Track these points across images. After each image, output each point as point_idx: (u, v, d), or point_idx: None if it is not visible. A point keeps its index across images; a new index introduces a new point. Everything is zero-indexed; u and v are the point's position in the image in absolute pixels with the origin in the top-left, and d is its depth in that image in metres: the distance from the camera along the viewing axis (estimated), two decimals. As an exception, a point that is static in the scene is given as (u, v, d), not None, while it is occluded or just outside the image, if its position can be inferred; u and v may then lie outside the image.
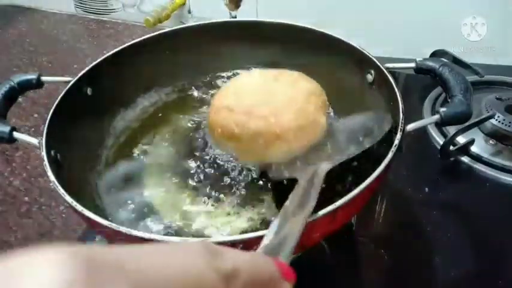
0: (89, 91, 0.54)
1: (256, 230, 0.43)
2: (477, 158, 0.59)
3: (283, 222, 0.29)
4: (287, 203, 0.33)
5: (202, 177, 0.49)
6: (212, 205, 0.46)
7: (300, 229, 0.29)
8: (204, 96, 0.63)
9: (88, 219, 0.37)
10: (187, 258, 0.17)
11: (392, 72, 0.49)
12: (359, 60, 0.54)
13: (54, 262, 0.14)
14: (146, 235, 0.34)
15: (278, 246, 0.26)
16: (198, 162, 0.50)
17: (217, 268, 0.17)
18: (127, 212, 0.47)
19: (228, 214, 0.45)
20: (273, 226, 0.29)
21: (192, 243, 0.20)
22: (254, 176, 0.48)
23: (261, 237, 0.33)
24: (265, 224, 0.44)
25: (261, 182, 0.47)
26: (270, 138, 0.45)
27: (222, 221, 0.45)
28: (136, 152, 0.53)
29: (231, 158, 0.49)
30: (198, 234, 0.44)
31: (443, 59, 0.55)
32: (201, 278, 0.17)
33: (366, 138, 0.43)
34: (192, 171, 0.50)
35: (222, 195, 0.47)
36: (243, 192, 0.47)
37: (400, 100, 0.45)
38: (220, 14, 0.79)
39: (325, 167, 0.38)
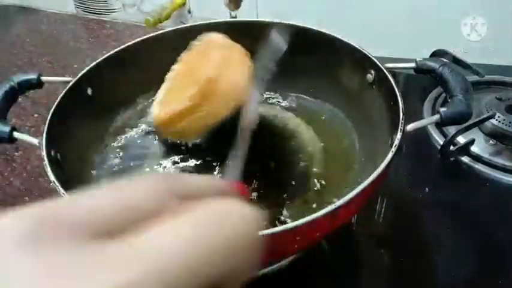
0: (89, 91, 0.54)
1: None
2: (477, 158, 0.59)
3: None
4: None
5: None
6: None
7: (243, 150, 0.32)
8: (204, 96, 0.63)
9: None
10: (142, 187, 0.17)
11: (392, 72, 0.49)
12: (359, 60, 0.54)
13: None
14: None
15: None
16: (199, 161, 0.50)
17: (175, 192, 0.17)
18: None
19: None
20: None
21: (148, 176, 0.19)
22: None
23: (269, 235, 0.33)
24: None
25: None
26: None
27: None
28: (136, 152, 0.54)
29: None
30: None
31: (443, 59, 0.54)
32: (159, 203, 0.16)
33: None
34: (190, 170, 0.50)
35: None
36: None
37: (400, 100, 0.45)
38: (220, 14, 0.79)
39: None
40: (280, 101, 0.62)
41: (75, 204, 0.16)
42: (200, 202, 0.17)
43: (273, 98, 0.63)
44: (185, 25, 0.64)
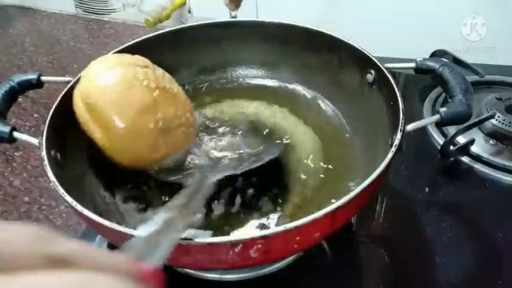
0: (89, 91, 0.53)
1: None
2: (477, 158, 0.59)
3: (163, 224, 0.28)
4: (170, 203, 0.32)
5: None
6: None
7: (177, 236, 0.28)
8: (204, 96, 0.63)
9: (88, 219, 0.37)
10: (12, 235, 0.17)
11: (392, 72, 0.49)
12: (359, 60, 0.54)
13: None
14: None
15: (152, 246, 0.24)
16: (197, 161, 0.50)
17: (43, 251, 0.17)
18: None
19: None
20: (151, 224, 0.27)
21: (25, 226, 0.18)
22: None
23: (264, 237, 0.33)
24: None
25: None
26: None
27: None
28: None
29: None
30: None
31: (443, 59, 0.54)
32: (20, 254, 0.16)
33: (254, 158, 0.47)
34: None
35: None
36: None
37: (400, 100, 0.45)
38: (220, 14, 0.79)
39: (215, 176, 0.40)
40: (279, 100, 0.62)
41: None
42: (64, 269, 0.16)
43: (271, 97, 0.63)
44: (185, 25, 0.64)
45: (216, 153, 0.51)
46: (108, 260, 0.19)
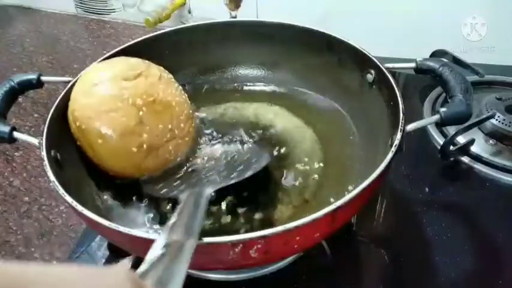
0: (89, 91, 0.53)
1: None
2: (477, 158, 0.59)
3: (169, 246, 0.28)
4: (170, 223, 0.32)
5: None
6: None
7: (189, 258, 0.28)
8: (204, 96, 0.63)
9: (88, 219, 0.37)
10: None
11: (392, 72, 0.49)
12: (359, 60, 0.54)
13: None
14: (146, 235, 0.34)
15: (166, 275, 0.24)
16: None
17: None
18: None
19: None
20: (157, 249, 0.27)
21: (117, 271, 0.18)
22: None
23: (264, 237, 0.33)
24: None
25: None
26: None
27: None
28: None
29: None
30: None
31: (443, 59, 0.54)
32: None
33: (246, 169, 0.46)
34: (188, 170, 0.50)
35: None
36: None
37: (400, 100, 0.45)
38: (220, 14, 0.79)
39: (209, 190, 0.40)
40: (279, 100, 0.62)
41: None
42: None
43: (271, 97, 0.63)
44: (185, 25, 0.64)
45: (208, 162, 0.50)
46: None
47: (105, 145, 0.45)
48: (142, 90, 0.46)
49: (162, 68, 0.52)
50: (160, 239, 0.29)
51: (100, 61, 0.52)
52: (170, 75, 0.52)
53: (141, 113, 0.46)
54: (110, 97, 0.45)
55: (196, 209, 0.36)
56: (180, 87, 0.53)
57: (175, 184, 0.46)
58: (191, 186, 0.44)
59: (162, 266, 0.25)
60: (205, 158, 0.51)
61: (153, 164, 0.47)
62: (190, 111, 0.52)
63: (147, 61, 0.51)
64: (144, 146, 0.46)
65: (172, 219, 0.33)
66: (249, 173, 0.45)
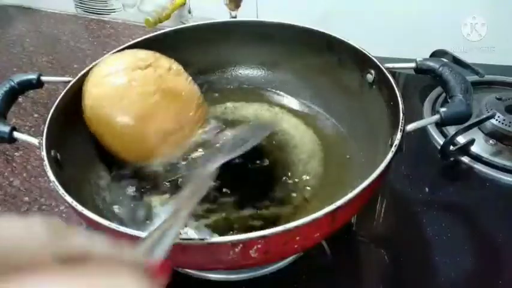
0: (89, 91, 0.53)
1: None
2: (477, 158, 0.59)
3: (169, 215, 0.29)
4: (177, 197, 0.33)
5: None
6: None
7: (181, 223, 0.29)
8: (204, 96, 0.63)
9: (88, 219, 0.37)
10: (28, 230, 0.17)
11: (392, 72, 0.49)
12: (359, 60, 0.54)
13: None
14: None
15: (157, 241, 0.25)
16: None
17: (59, 249, 0.17)
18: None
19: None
20: (159, 220, 0.28)
21: (37, 219, 0.18)
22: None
23: (264, 237, 0.33)
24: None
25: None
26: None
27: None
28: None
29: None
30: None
31: (443, 59, 0.54)
32: (37, 251, 0.16)
33: (247, 142, 0.46)
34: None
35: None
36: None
37: (400, 100, 0.45)
38: (220, 14, 0.79)
39: (212, 165, 0.41)
40: (279, 100, 0.62)
41: None
42: (78, 269, 0.16)
43: (271, 97, 0.63)
44: (185, 25, 0.64)
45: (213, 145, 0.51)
46: (123, 256, 0.19)
47: (121, 132, 0.47)
48: (153, 78, 0.48)
49: (172, 60, 0.53)
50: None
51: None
52: (180, 67, 0.53)
53: (152, 100, 0.47)
54: (121, 86, 0.47)
55: (199, 188, 0.36)
56: (190, 77, 0.54)
57: (179, 167, 0.48)
58: (195, 167, 0.45)
59: (156, 233, 0.25)
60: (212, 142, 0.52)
61: (168, 150, 0.49)
62: (201, 101, 0.53)
63: (157, 53, 0.52)
64: (158, 131, 0.48)
65: (178, 196, 0.34)
66: (253, 142, 0.46)
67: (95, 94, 0.48)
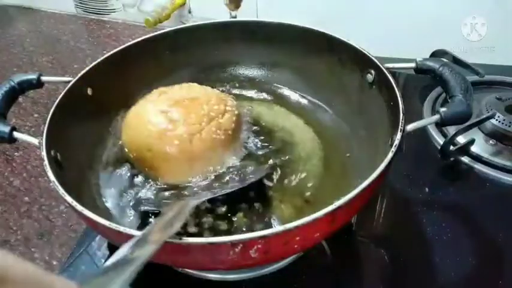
0: (89, 91, 0.54)
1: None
2: (477, 158, 0.59)
3: (139, 243, 0.28)
4: (149, 226, 0.32)
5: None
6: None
7: (147, 254, 0.28)
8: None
9: (88, 219, 0.37)
10: None
11: (392, 72, 0.49)
12: (359, 60, 0.54)
13: None
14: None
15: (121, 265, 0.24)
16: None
17: None
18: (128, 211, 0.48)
19: None
20: (126, 245, 0.28)
21: None
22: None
23: (264, 237, 0.33)
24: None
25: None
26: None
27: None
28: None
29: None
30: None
31: (443, 59, 0.54)
32: None
33: (240, 181, 0.47)
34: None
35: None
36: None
37: (400, 100, 0.45)
38: (220, 14, 0.79)
39: (192, 202, 0.40)
40: (279, 100, 0.62)
41: None
42: None
43: (272, 97, 0.63)
44: (185, 25, 0.64)
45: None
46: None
47: (155, 156, 0.49)
48: (166, 103, 0.51)
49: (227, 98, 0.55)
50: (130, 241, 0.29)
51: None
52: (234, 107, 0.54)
53: (168, 114, 0.49)
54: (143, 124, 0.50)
55: (176, 217, 0.36)
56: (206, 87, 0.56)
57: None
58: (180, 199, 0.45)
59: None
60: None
61: (202, 146, 0.49)
62: (220, 96, 0.54)
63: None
64: (184, 135, 0.48)
65: (149, 226, 0.33)
66: (240, 185, 0.46)
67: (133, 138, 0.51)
